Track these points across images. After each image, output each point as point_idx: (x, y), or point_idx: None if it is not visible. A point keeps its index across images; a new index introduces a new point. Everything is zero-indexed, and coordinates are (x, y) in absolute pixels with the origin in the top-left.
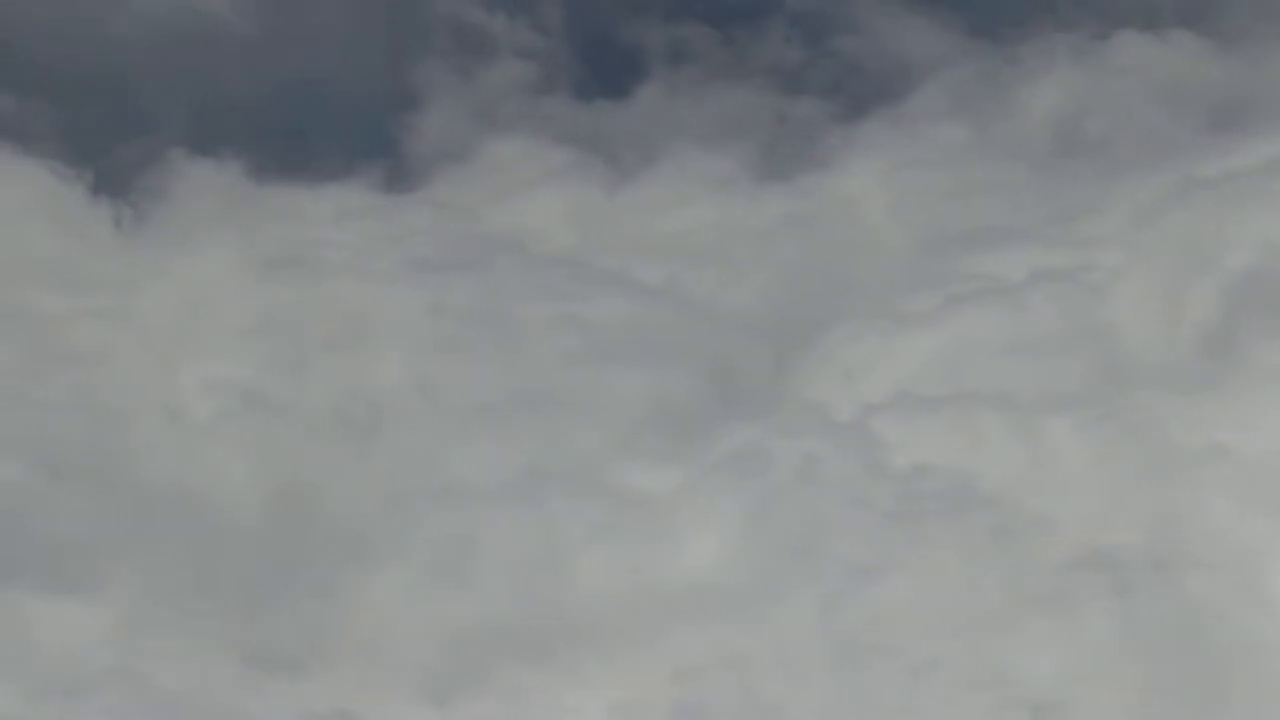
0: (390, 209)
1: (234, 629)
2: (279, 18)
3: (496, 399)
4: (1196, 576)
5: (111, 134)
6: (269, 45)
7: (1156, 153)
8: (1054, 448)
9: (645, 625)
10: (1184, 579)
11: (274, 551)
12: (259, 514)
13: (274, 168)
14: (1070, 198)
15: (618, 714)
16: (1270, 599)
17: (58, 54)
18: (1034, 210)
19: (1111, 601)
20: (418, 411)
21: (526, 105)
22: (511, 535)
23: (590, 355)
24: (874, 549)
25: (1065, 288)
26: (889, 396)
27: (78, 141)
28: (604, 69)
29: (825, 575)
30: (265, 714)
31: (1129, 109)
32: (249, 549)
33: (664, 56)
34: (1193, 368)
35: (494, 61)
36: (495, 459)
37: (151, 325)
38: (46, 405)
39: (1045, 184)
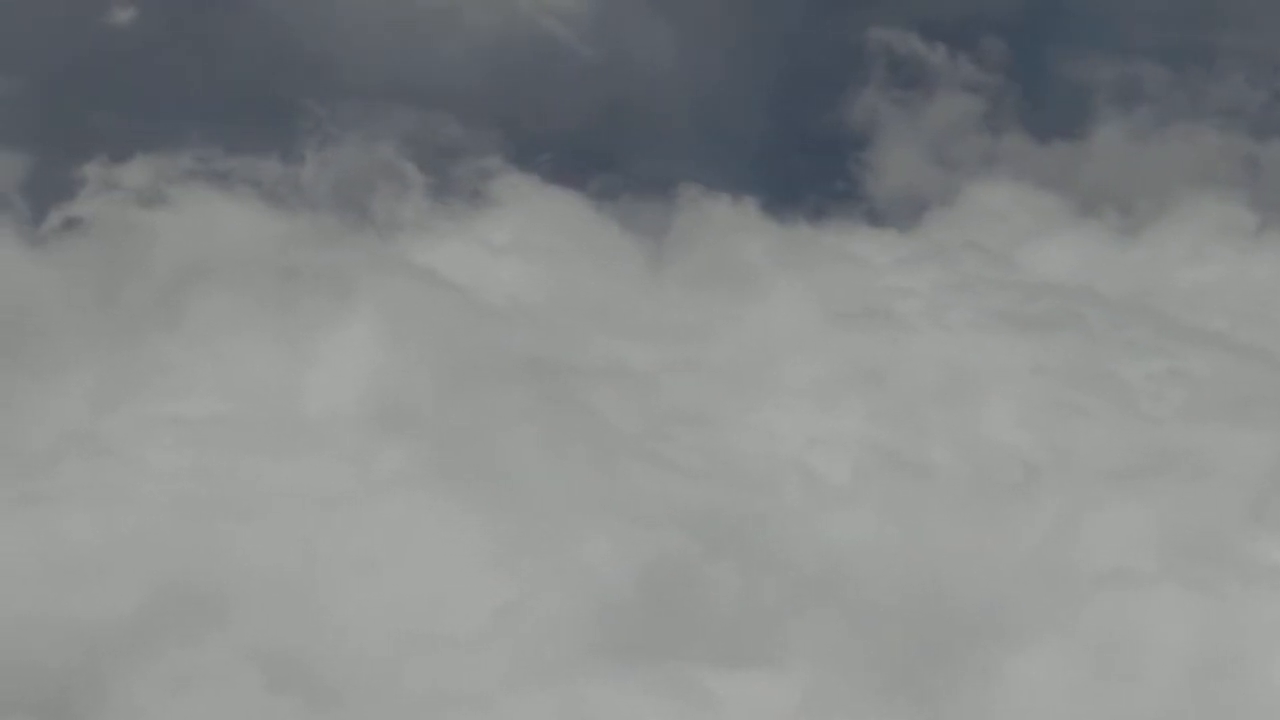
0: (936, 254)
1: (907, 707)
2: (697, 50)
3: (1123, 464)
4: None
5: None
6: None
7: None
8: None
9: None
10: None
11: (922, 623)
12: (909, 581)
13: (768, 204)
14: None
15: None
16: None
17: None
18: None
19: None
20: (1048, 476)
21: (981, 144)
22: (1180, 624)
23: (1201, 414)
24: None
25: None
26: None
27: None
28: (1056, 107)
29: None
30: None
31: None
32: (899, 619)
33: (1115, 95)
34: None
35: (937, 96)
36: (1137, 531)
37: (740, 378)
38: (682, 469)
39: None
